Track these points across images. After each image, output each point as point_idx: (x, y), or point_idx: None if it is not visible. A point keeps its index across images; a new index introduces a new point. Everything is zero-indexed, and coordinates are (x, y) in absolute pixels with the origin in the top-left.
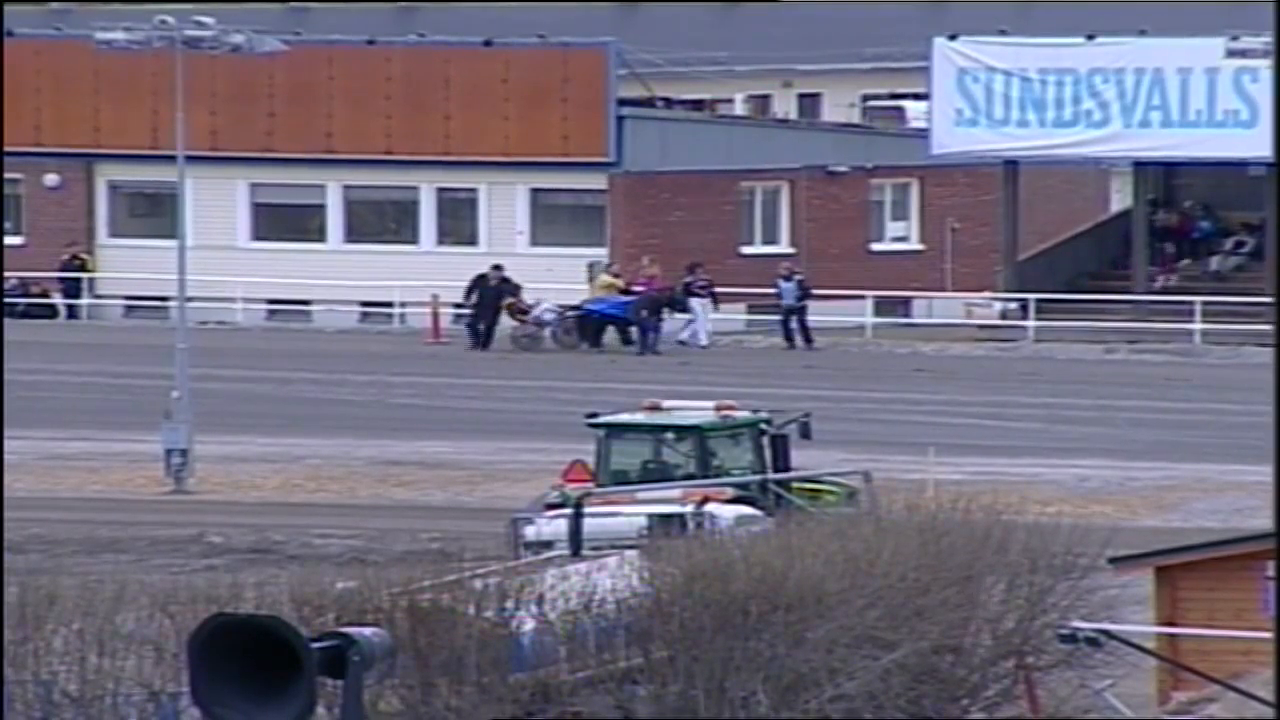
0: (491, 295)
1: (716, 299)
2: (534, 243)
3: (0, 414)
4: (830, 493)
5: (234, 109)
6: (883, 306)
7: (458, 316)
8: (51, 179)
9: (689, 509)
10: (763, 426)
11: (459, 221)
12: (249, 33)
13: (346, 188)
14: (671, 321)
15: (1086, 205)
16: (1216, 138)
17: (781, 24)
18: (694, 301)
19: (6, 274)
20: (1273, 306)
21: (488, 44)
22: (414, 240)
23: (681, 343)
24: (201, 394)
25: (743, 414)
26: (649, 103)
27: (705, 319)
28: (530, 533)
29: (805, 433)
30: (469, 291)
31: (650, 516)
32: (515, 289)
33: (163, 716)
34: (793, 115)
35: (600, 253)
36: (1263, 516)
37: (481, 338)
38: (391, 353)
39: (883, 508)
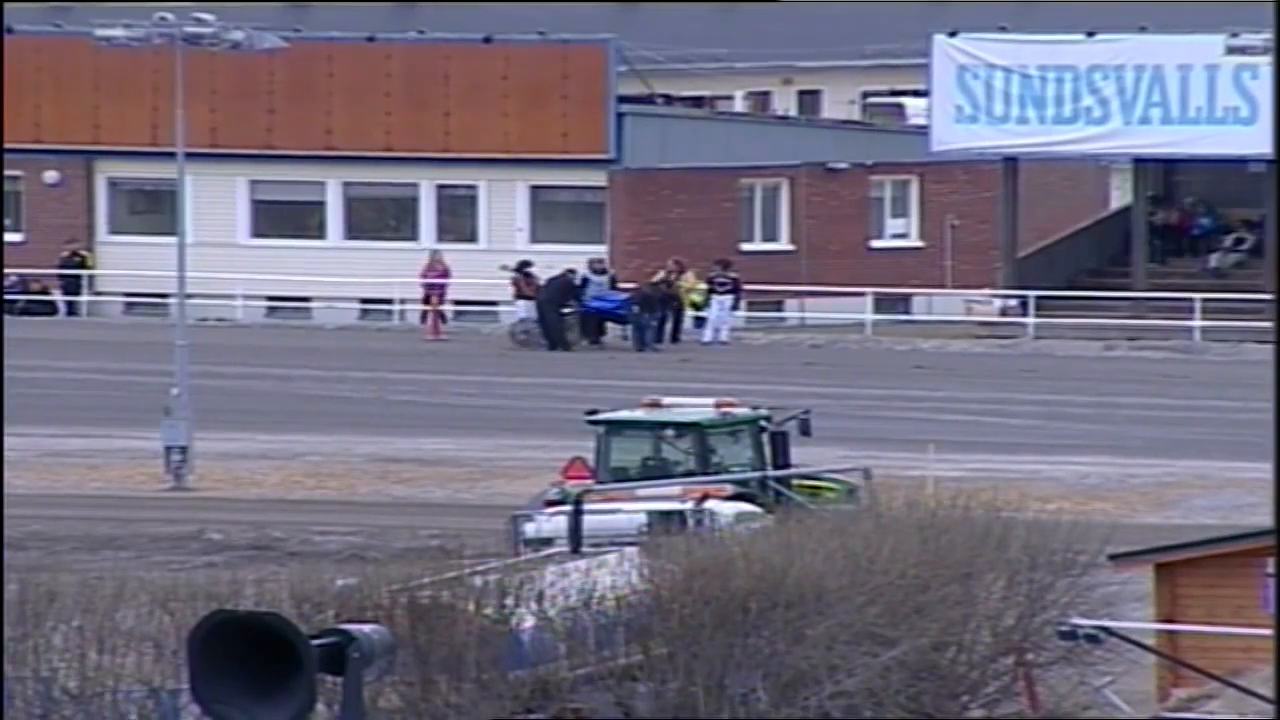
0: (555, 294)
1: (739, 297)
2: (534, 240)
3: (0, 411)
4: (830, 490)
5: (234, 106)
6: (882, 303)
7: (458, 314)
8: (51, 176)
9: (689, 506)
10: (762, 423)
11: (459, 218)
12: (249, 30)
13: (346, 184)
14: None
15: (1086, 202)
16: (1216, 134)
17: (781, 21)
18: (714, 299)
19: (6, 271)
20: (1273, 303)
21: (487, 41)
22: (414, 237)
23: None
24: (201, 391)
25: (742, 411)
26: (649, 99)
27: (726, 316)
28: (530, 530)
29: (805, 430)
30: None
31: (650, 513)
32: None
33: (162, 713)
34: (793, 112)
35: (600, 250)
36: (1263, 513)
37: (553, 340)
38: (391, 349)
39: (882, 505)
